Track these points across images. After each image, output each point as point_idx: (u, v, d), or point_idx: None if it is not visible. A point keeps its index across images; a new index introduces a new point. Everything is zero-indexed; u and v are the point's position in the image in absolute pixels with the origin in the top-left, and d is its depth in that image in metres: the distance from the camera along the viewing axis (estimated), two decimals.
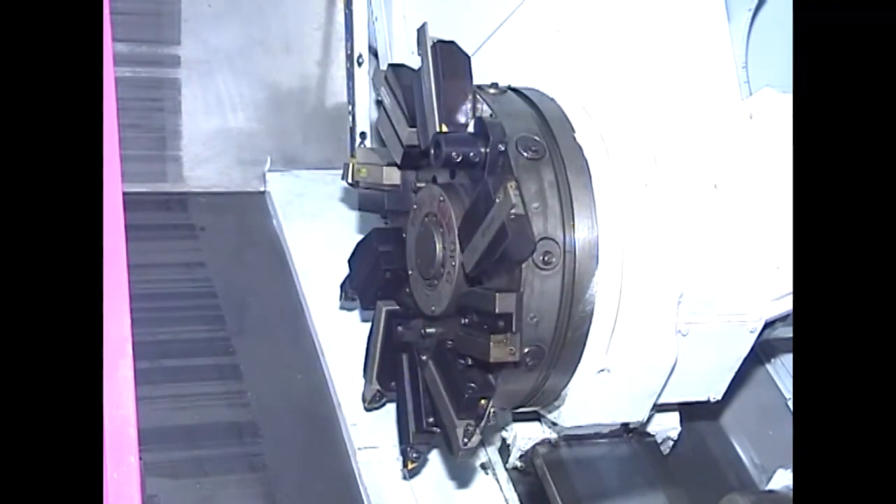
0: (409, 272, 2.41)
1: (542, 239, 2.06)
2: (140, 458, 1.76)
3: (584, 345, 2.15)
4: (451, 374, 2.24)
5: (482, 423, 2.16)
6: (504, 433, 2.71)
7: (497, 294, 2.01)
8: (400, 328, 2.50)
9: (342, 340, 3.03)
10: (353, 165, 2.54)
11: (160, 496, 2.60)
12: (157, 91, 3.64)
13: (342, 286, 2.73)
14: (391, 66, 2.40)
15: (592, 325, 2.13)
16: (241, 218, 3.56)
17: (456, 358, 2.23)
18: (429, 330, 2.37)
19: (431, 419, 2.31)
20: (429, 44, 2.17)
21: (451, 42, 2.19)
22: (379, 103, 3.30)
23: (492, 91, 2.24)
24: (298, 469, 2.80)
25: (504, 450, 2.74)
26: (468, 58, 2.20)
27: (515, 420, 2.65)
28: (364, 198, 2.56)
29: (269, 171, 3.66)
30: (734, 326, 2.32)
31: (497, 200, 1.99)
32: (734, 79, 2.39)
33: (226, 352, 3.06)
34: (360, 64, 3.34)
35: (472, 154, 2.08)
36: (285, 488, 2.73)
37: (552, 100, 2.26)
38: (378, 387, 2.59)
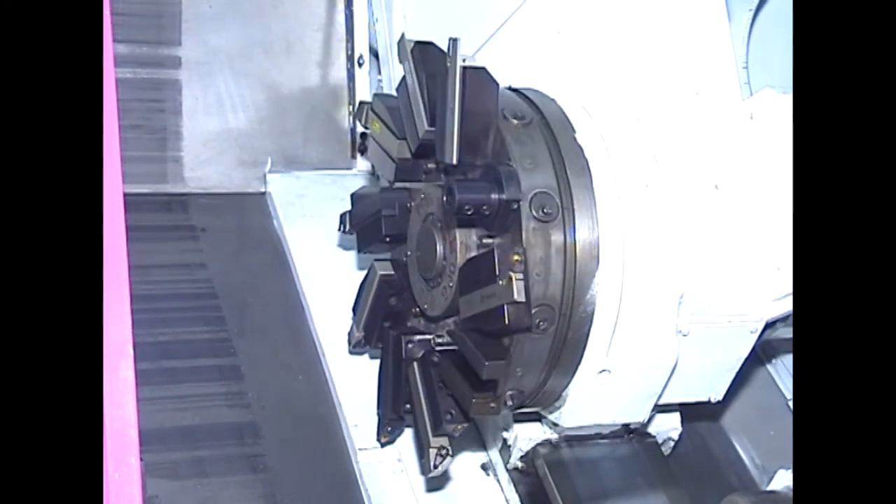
0: (408, 254, 2.42)
1: (539, 305, 2.06)
2: (141, 459, 1.76)
3: (585, 346, 2.15)
4: (432, 390, 2.28)
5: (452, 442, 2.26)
6: (505, 434, 2.71)
7: (486, 364, 2.06)
8: (392, 299, 2.53)
9: (343, 341, 3.01)
10: (368, 110, 2.51)
11: (161, 497, 2.60)
12: (157, 92, 3.64)
13: (342, 217, 2.71)
14: (418, 43, 2.29)
15: (593, 326, 2.13)
16: (242, 219, 3.55)
17: (440, 377, 2.28)
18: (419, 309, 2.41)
19: (408, 406, 2.38)
20: (458, 64, 2.07)
21: (482, 68, 2.10)
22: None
23: (515, 122, 2.16)
24: (299, 470, 2.79)
25: (505, 450, 2.73)
26: (497, 86, 2.12)
27: (516, 421, 2.65)
28: (373, 154, 2.54)
29: (270, 172, 3.66)
30: (735, 327, 2.32)
31: (501, 284, 1.98)
32: (735, 79, 2.39)
33: (226, 353, 3.05)
34: (360, 65, 3.35)
35: (484, 207, 2.05)
36: (286, 489, 2.72)
37: (553, 100, 2.26)
38: (363, 334, 2.64)
